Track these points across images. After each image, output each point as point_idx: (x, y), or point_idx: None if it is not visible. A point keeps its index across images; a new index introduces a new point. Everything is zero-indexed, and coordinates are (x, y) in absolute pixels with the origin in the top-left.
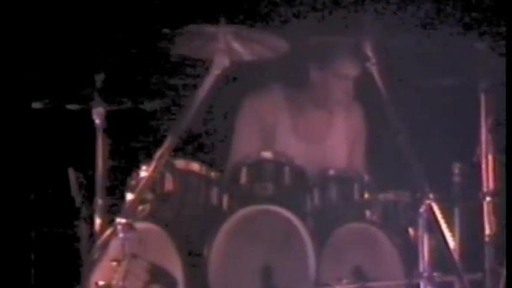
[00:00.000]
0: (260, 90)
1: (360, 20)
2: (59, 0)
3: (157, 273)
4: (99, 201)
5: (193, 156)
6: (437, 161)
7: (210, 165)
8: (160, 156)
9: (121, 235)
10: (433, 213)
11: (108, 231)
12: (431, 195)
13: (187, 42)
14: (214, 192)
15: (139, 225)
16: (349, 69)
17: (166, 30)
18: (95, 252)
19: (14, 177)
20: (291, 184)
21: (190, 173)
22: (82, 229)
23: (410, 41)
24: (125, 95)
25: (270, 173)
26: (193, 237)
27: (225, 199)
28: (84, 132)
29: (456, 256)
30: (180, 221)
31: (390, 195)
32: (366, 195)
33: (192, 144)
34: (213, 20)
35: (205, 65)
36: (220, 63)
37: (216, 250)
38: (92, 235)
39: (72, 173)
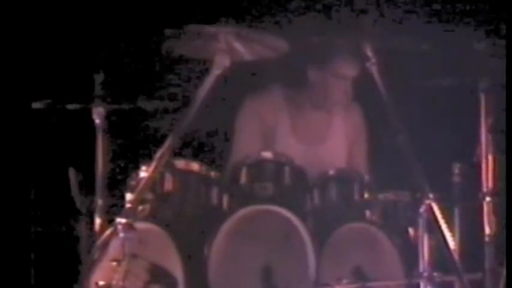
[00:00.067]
0: (260, 91)
1: (360, 20)
2: (59, 0)
3: (157, 273)
4: (99, 201)
5: (193, 156)
6: (437, 161)
7: (210, 165)
8: (160, 156)
9: (121, 235)
10: (433, 213)
11: (108, 231)
12: (431, 195)
13: (187, 42)
14: (214, 192)
15: (139, 225)
16: (348, 70)
17: (166, 30)
18: (95, 252)
19: (14, 177)
20: (291, 184)
21: (190, 173)
22: (82, 229)
23: (410, 41)
24: (125, 95)
25: (270, 173)
26: (193, 237)
27: (225, 199)
28: (84, 132)
29: (456, 256)
30: (180, 221)
31: (390, 195)
32: (366, 195)
33: (192, 144)
34: (214, 20)
35: (205, 65)
36: (221, 63)
37: (216, 250)
38: (92, 235)
39: (72, 173)
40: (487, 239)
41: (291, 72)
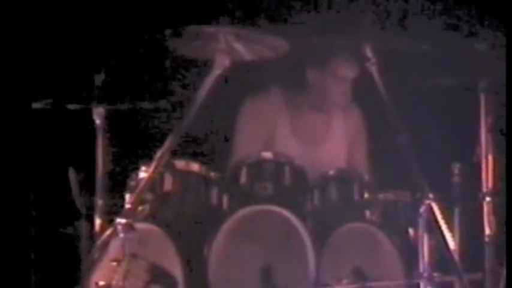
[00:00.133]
0: (260, 91)
1: (360, 20)
2: (59, 0)
3: (157, 273)
4: (99, 201)
5: (193, 156)
6: (437, 161)
7: (210, 165)
8: (160, 157)
9: (121, 235)
10: (433, 213)
11: (108, 231)
12: (431, 195)
13: (187, 43)
14: (214, 192)
15: (139, 225)
16: (347, 71)
17: (167, 31)
18: (95, 252)
19: (14, 177)
20: (291, 184)
21: (190, 173)
22: (82, 229)
23: (410, 41)
24: (125, 95)
25: (270, 173)
26: (193, 237)
27: (225, 199)
28: (84, 132)
29: (456, 256)
30: (180, 221)
31: (390, 195)
32: (366, 195)
33: (192, 144)
34: (214, 20)
35: (205, 65)
36: (221, 64)
37: (216, 250)
38: (92, 235)
39: (72, 173)
40: (487, 239)
41: (290, 73)
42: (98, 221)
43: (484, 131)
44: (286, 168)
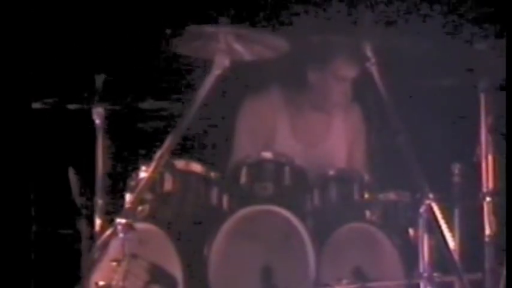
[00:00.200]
0: (260, 91)
1: (360, 20)
2: (59, 0)
3: (157, 273)
4: (99, 201)
5: (193, 156)
6: (437, 161)
7: (210, 165)
8: (160, 156)
9: (121, 235)
10: (433, 213)
11: (108, 231)
12: (431, 195)
13: (187, 42)
14: (214, 192)
15: (139, 225)
16: (348, 71)
17: (167, 31)
18: (95, 252)
19: (14, 177)
20: (291, 184)
21: (190, 173)
22: (82, 229)
23: (410, 41)
24: (125, 95)
25: (270, 173)
26: (193, 237)
27: (225, 199)
28: (84, 132)
29: (456, 256)
30: (180, 221)
31: (390, 195)
32: (366, 195)
33: (192, 144)
34: (214, 20)
35: (205, 65)
36: (221, 64)
37: (216, 250)
38: (92, 235)
39: (72, 173)
40: (487, 239)
41: (290, 73)
42: (98, 221)
43: (484, 131)
44: (286, 168)
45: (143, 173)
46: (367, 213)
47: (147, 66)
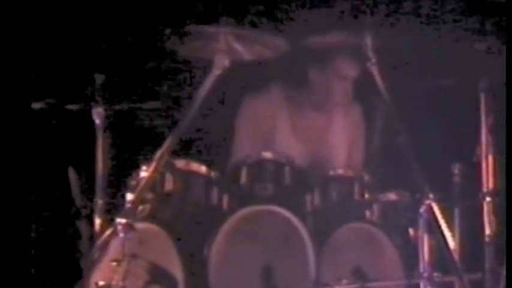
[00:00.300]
0: (260, 90)
1: (361, 20)
2: (59, 0)
3: (157, 273)
4: (99, 201)
5: (193, 156)
6: (437, 161)
7: (210, 165)
8: (161, 156)
9: (121, 235)
10: (433, 213)
11: (108, 231)
12: (431, 195)
13: (187, 42)
14: (214, 192)
15: (139, 225)
16: (349, 70)
17: (167, 31)
18: (95, 252)
19: (14, 177)
20: (291, 184)
21: (190, 173)
22: (82, 229)
23: (410, 41)
24: (125, 95)
25: (270, 173)
26: (193, 237)
27: (225, 199)
28: (84, 132)
29: (456, 256)
30: (180, 221)
31: (390, 195)
32: (366, 195)
33: (192, 144)
34: (214, 20)
35: (205, 65)
36: (221, 63)
37: (216, 250)
38: (92, 235)
39: (72, 173)
40: (487, 239)
41: (290, 72)
42: (98, 221)
43: (484, 131)
44: (286, 168)
45: (143, 173)
46: (367, 213)
47: (147, 66)
